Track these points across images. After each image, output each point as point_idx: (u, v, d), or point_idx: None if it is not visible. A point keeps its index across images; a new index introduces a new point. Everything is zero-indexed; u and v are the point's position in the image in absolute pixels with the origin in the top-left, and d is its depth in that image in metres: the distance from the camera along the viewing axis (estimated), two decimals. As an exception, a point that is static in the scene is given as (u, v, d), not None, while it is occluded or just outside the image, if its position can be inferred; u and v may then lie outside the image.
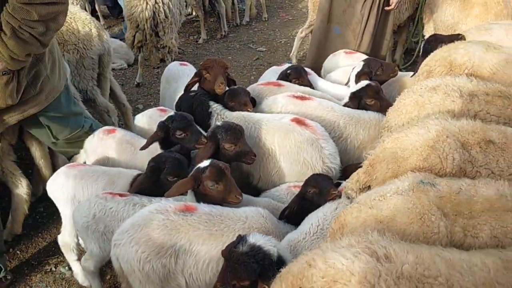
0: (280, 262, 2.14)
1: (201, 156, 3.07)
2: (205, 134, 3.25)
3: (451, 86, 2.93)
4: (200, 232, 2.54)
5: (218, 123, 3.24)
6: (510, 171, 2.29)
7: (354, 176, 2.64)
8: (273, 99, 3.80)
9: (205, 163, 2.83)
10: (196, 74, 3.85)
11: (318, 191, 2.83)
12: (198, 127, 3.30)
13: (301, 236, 2.58)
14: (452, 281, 1.65)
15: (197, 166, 2.86)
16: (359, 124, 3.59)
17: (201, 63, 3.95)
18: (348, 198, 2.62)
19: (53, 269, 3.75)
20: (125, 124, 5.32)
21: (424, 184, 2.11)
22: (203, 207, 2.67)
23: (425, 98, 2.95)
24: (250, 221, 2.64)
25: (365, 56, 4.97)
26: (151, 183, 3.03)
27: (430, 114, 2.92)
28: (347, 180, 2.74)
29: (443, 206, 2.03)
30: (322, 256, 1.72)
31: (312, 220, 2.65)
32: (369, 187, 2.53)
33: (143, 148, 3.28)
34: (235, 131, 3.13)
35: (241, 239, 2.18)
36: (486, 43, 3.52)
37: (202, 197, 2.81)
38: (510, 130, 2.44)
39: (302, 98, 3.73)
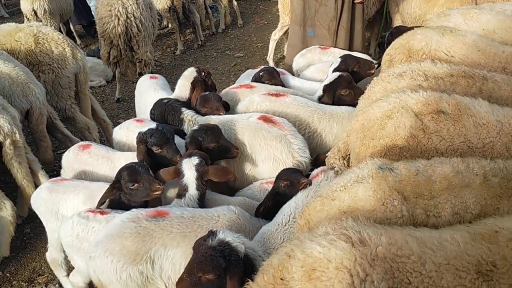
0: (247, 260, 2.20)
1: None
2: (181, 153, 3.21)
3: (416, 71, 3.05)
4: (174, 235, 2.56)
5: (195, 127, 3.30)
6: (460, 139, 2.47)
7: (335, 147, 2.90)
8: (249, 99, 3.85)
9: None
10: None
11: (289, 183, 2.89)
12: (175, 145, 3.26)
13: (274, 228, 2.62)
14: (424, 258, 1.74)
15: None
16: (333, 119, 3.64)
17: (179, 74, 3.91)
18: (333, 168, 2.81)
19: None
20: (107, 139, 5.38)
21: (383, 169, 2.17)
22: (175, 211, 2.70)
23: (393, 85, 3.07)
24: (223, 219, 2.68)
25: (340, 51, 5.04)
26: (116, 196, 3.02)
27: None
28: (329, 152, 2.94)
29: (403, 190, 2.10)
30: (300, 246, 1.80)
31: (285, 210, 2.70)
32: (349, 157, 2.76)
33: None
34: (213, 130, 3.24)
35: (211, 234, 2.23)
36: (442, 28, 3.63)
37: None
38: (466, 101, 2.61)
39: (276, 95, 3.80)
